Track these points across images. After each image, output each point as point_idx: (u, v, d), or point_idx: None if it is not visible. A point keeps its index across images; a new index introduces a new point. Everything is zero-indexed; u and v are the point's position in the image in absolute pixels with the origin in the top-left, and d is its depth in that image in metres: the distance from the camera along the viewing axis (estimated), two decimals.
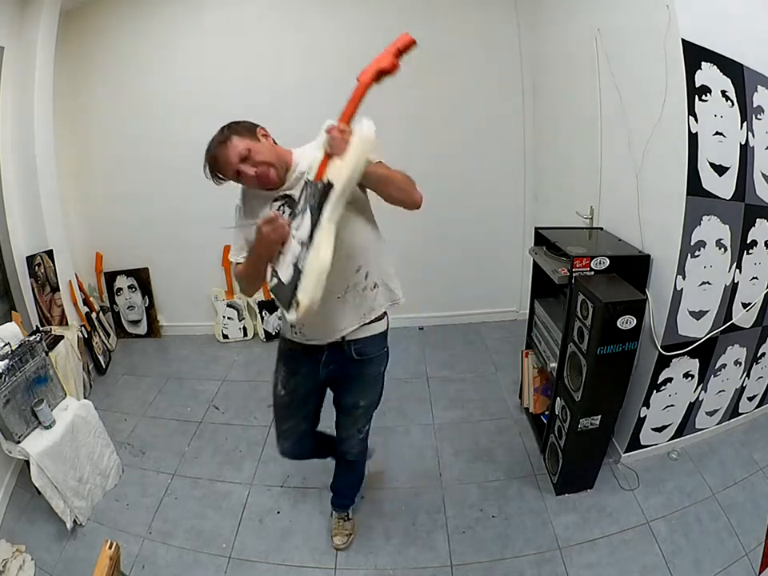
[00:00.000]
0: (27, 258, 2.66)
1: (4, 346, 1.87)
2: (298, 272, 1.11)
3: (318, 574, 1.72)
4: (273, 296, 1.23)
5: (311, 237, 1.10)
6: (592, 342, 1.64)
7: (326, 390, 1.56)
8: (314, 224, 1.10)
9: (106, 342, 3.16)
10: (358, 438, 1.60)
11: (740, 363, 2.11)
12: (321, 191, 1.11)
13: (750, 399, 2.28)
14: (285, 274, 1.15)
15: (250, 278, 1.32)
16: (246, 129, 1.23)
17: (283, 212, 1.25)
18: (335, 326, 1.34)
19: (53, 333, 2.55)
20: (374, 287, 1.35)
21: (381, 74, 1.15)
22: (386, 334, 1.45)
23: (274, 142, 1.31)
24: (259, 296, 3.34)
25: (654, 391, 1.96)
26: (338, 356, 1.40)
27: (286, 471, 2.15)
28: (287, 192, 1.27)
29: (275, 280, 1.18)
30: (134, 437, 2.43)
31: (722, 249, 1.80)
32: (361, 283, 1.32)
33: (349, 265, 1.28)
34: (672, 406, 2.04)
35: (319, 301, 1.10)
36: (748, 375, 2.18)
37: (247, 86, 2.96)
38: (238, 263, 1.34)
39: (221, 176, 1.25)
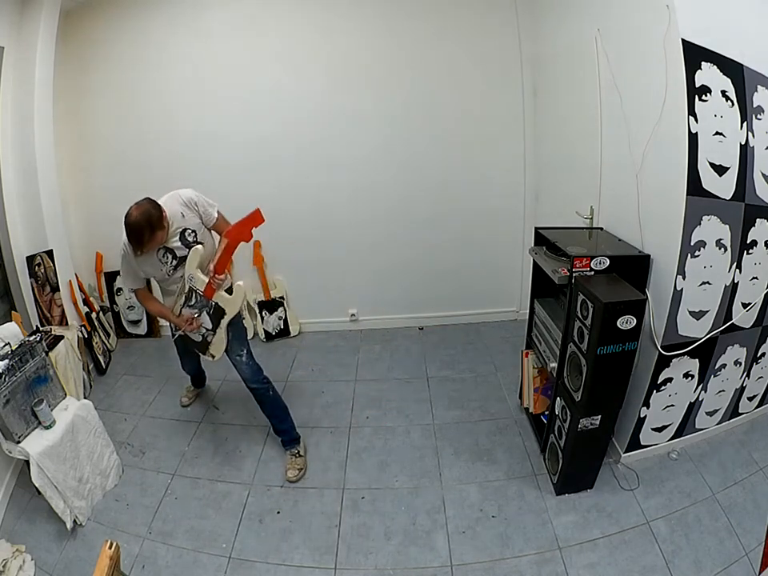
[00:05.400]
0: (27, 257, 2.67)
1: (4, 346, 1.87)
2: (205, 341, 2.00)
3: (318, 574, 1.72)
4: (177, 336, 2.09)
5: (213, 330, 1.96)
6: (592, 341, 1.64)
7: None
8: (214, 328, 1.96)
9: (106, 342, 3.16)
10: (243, 362, 2.06)
11: (740, 363, 2.11)
12: (215, 310, 1.91)
13: (750, 399, 2.28)
14: (193, 335, 2.02)
15: (152, 312, 2.19)
16: (162, 219, 1.77)
17: (166, 259, 1.91)
18: None
19: (53, 333, 2.55)
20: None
21: (240, 241, 1.84)
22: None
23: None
24: (259, 296, 3.35)
25: (654, 391, 1.96)
26: None
27: (285, 471, 2.15)
28: (168, 246, 1.89)
29: (179, 332, 2.05)
30: (133, 437, 2.43)
31: (722, 249, 1.79)
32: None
33: None
34: (672, 405, 2.05)
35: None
36: (748, 375, 2.18)
37: (246, 86, 2.97)
38: (137, 289, 2.05)
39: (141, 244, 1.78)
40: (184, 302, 1.94)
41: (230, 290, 1.97)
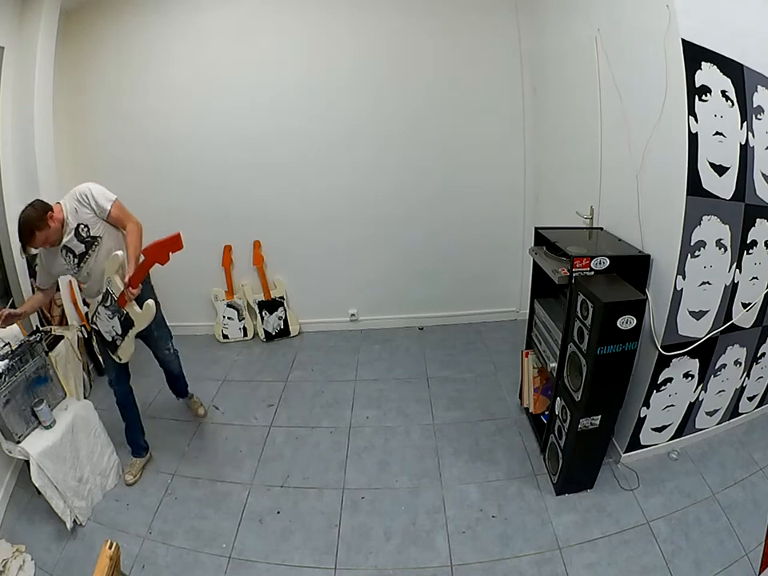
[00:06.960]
0: (27, 257, 2.66)
1: (4, 346, 1.87)
2: (114, 343, 1.98)
3: (318, 573, 1.72)
4: (94, 328, 2.06)
5: (122, 336, 1.94)
6: (592, 342, 1.64)
7: None
8: (123, 335, 1.94)
9: None
10: (172, 354, 2.31)
11: (740, 363, 2.11)
12: (126, 319, 1.90)
13: (750, 399, 2.28)
14: (105, 334, 1.99)
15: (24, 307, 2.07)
16: (42, 220, 1.79)
17: (68, 258, 1.92)
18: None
19: (53, 333, 2.56)
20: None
21: (156, 262, 1.77)
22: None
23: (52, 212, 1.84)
24: (259, 296, 3.35)
25: (654, 391, 1.96)
26: None
27: (286, 471, 2.16)
28: (66, 244, 1.89)
29: (95, 328, 2.03)
30: None
31: (722, 249, 1.80)
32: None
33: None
34: (672, 405, 2.05)
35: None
36: (748, 375, 2.18)
37: (246, 85, 2.97)
38: (37, 287, 2.07)
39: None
40: (101, 301, 1.93)
41: (141, 304, 1.91)
